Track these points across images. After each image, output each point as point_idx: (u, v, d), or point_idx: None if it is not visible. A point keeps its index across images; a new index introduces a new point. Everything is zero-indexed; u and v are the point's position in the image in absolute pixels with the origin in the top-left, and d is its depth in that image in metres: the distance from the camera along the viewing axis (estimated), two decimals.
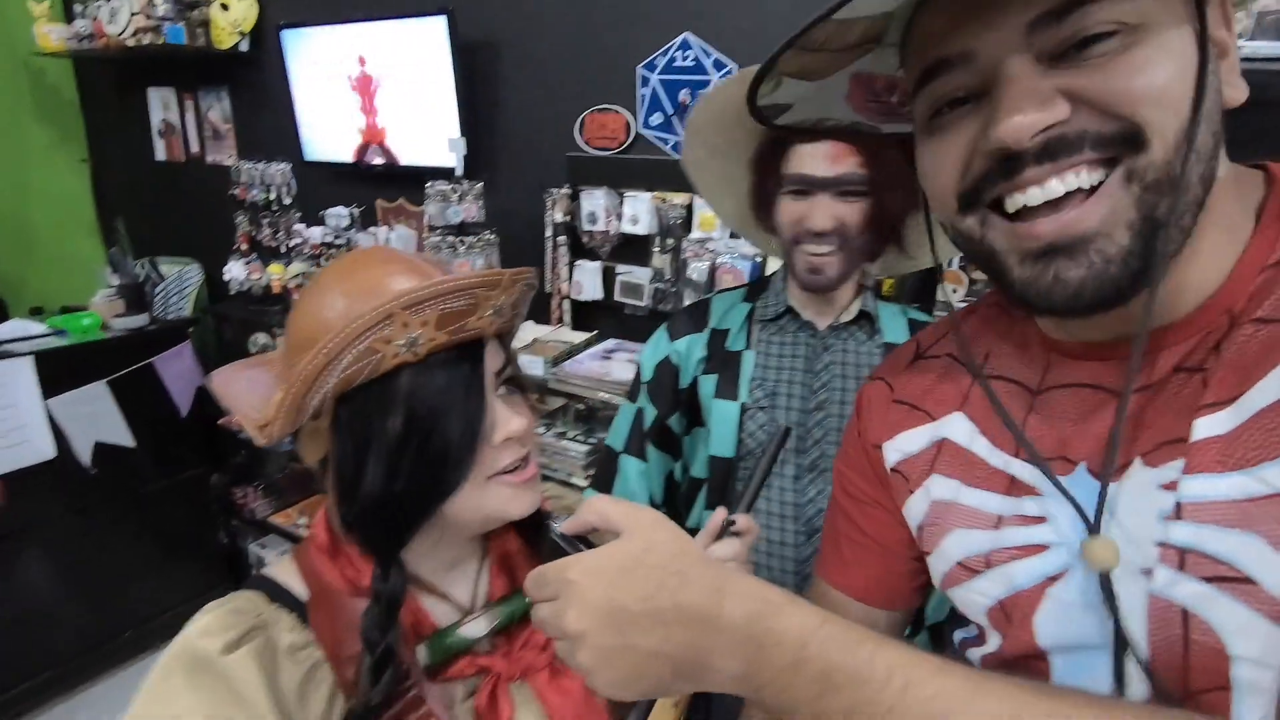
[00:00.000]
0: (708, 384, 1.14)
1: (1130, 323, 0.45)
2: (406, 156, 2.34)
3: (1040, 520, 0.49)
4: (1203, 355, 0.44)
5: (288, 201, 2.70)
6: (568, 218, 2.09)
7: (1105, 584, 0.44)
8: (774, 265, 1.82)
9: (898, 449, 0.60)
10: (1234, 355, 0.42)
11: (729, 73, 1.84)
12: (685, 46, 1.89)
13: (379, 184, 2.52)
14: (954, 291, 1.59)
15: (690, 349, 1.17)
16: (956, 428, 0.56)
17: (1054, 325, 0.52)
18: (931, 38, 0.45)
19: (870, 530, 0.64)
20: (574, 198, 2.07)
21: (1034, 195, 0.42)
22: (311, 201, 2.67)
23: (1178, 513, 0.42)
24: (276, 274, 2.63)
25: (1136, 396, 0.46)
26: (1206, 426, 0.42)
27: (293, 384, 0.54)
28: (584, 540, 0.48)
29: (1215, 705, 0.41)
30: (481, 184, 2.16)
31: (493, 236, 2.15)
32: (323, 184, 2.63)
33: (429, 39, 2.11)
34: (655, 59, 1.93)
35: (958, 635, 0.60)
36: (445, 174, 2.16)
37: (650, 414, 1.19)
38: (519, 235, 2.21)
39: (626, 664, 0.42)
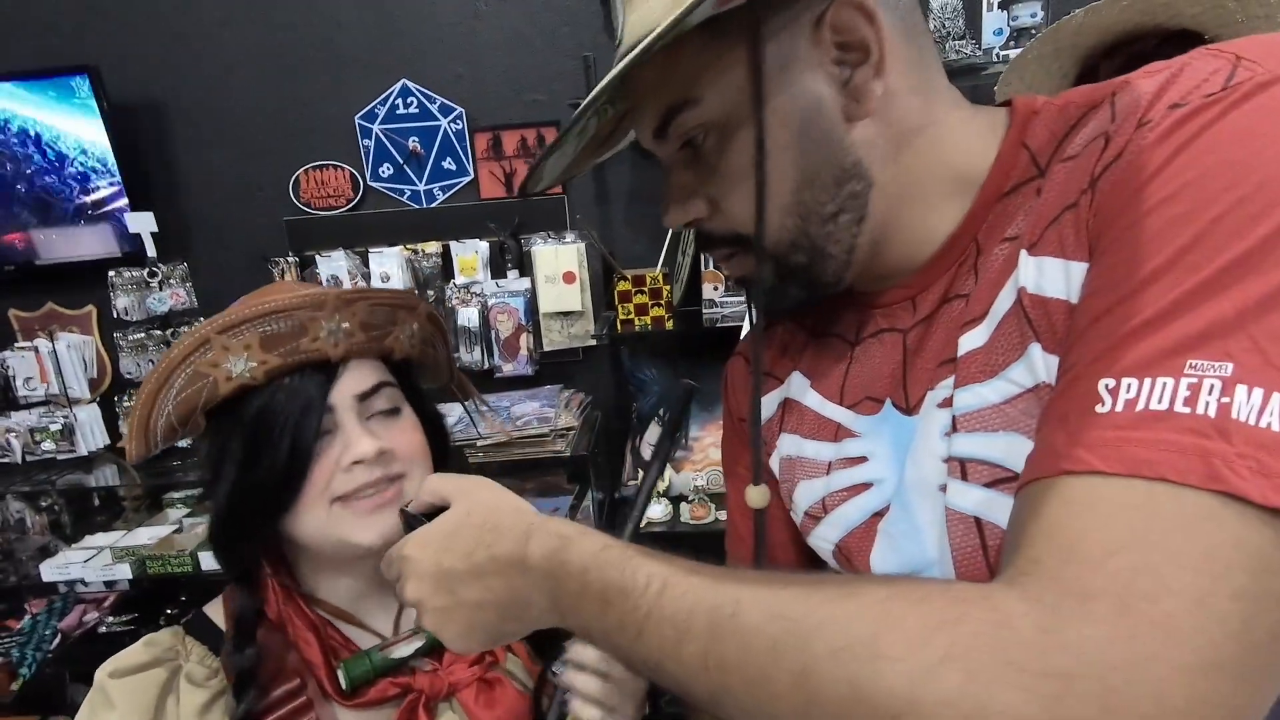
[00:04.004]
0: None
1: (895, 272, 0.50)
2: (52, 249, 1.88)
3: (862, 460, 0.51)
4: (963, 282, 0.47)
5: None
6: None
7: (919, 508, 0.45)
8: (545, 300, 1.85)
9: None
10: (985, 274, 0.45)
11: (459, 115, 1.83)
12: (405, 94, 1.83)
13: (8, 289, 1.98)
14: (715, 289, 1.78)
15: None
16: (795, 385, 0.58)
17: (858, 282, 0.53)
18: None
19: None
20: (306, 265, 1.87)
21: None
22: None
23: (954, 425, 0.43)
24: None
25: (917, 330, 0.49)
26: (968, 341, 0.44)
27: (134, 408, 0.60)
28: (432, 516, 0.49)
29: None
30: (185, 264, 1.84)
31: None
32: None
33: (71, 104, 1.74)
34: (375, 108, 1.84)
35: None
36: (130, 261, 1.79)
37: None
38: None
39: (461, 619, 0.46)
